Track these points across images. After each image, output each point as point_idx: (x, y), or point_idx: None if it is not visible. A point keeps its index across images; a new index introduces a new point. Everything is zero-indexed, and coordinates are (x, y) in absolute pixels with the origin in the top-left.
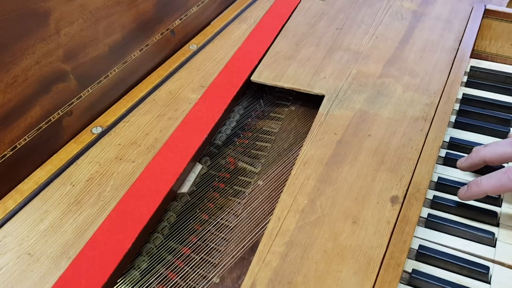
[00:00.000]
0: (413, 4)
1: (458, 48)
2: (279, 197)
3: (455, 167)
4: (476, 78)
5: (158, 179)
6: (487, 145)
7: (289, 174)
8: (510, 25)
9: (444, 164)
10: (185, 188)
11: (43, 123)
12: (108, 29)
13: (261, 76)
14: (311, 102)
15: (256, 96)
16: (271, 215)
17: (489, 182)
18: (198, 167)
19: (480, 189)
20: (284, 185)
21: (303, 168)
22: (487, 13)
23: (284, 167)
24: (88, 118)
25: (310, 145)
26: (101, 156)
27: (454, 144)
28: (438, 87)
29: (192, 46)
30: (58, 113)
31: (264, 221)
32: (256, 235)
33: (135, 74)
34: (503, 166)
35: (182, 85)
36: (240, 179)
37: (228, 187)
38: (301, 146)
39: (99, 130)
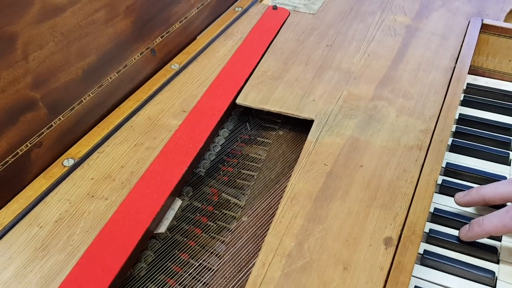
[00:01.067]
0: (406, 18)
1: (455, 67)
2: (264, 236)
3: (452, 195)
4: (473, 96)
5: (132, 220)
6: (488, 184)
7: (276, 209)
8: (509, 40)
9: (440, 193)
10: (162, 228)
11: (9, 157)
12: (82, 51)
13: (247, 99)
14: (300, 126)
15: (242, 119)
16: (255, 257)
17: (492, 222)
18: (178, 203)
19: (482, 230)
20: (271, 222)
21: (290, 204)
22: (484, 28)
23: (271, 201)
24: (59, 149)
25: (298, 177)
26: (72, 192)
27: (451, 170)
28: (433, 111)
29: (174, 65)
30: (26, 145)
31: (248, 265)
32: (240, 281)
33: (111, 98)
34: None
35: (163, 110)
36: (224, 213)
37: (211, 222)
38: (289, 176)
39: (71, 162)
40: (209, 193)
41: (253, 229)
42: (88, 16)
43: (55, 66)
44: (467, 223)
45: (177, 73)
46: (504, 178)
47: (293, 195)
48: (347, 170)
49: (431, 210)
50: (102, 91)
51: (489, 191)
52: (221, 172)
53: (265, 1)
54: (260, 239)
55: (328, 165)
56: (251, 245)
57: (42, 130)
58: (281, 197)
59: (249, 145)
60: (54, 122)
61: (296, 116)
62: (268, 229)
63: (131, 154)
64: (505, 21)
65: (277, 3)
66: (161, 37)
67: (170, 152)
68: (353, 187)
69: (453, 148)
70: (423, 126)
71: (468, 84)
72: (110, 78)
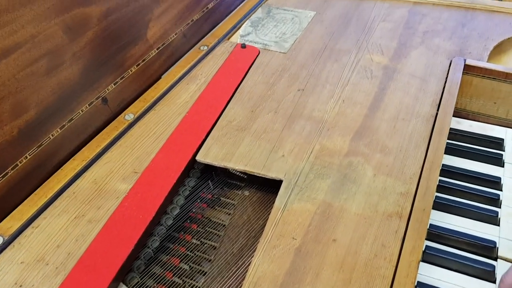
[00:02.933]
0: (384, 58)
1: (436, 115)
2: None
3: (437, 264)
4: (456, 143)
5: None
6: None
7: None
8: (493, 82)
9: (424, 261)
10: None
11: None
12: (17, 108)
13: (209, 155)
14: (267, 186)
15: (205, 176)
16: None
17: None
18: None
19: None
20: None
21: None
22: (467, 69)
23: (232, 283)
24: None
25: (262, 255)
26: None
27: (434, 233)
28: (414, 169)
29: (129, 115)
30: None
31: None
32: None
33: (53, 159)
34: None
35: (111, 171)
36: None
37: None
38: (254, 250)
39: (0, 241)
40: (162, 271)
41: None
42: (26, 67)
43: None
44: None
45: (131, 125)
46: (493, 242)
47: (256, 279)
48: (318, 246)
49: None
50: (42, 151)
51: None
52: (179, 240)
53: (233, 39)
54: None
55: (297, 239)
56: None
57: None
58: (243, 280)
59: (211, 207)
60: None
61: (263, 176)
62: None
63: (70, 229)
64: (489, 59)
65: (246, 40)
66: (114, 84)
67: (115, 226)
68: (325, 268)
69: (437, 206)
70: (403, 188)
71: (451, 129)
72: (52, 135)
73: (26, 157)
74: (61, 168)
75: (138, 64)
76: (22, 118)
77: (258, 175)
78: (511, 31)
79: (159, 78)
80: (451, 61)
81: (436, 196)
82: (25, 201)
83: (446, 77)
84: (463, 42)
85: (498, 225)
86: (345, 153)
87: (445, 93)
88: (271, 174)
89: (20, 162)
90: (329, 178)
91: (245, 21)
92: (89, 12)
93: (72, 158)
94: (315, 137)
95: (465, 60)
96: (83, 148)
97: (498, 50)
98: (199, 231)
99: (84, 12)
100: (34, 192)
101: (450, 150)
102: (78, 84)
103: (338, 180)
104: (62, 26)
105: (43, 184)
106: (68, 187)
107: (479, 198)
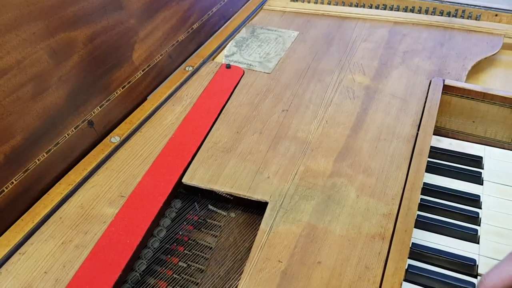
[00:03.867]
0: (365, 78)
1: (417, 135)
2: None
3: (419, 284)
4: (437, 161)
5: None
6: (490, 271)
7: None
8: (472, 102)
9: (406, 280)
10: None
11: None
12: (4, 134)
13: (195, 177)
14: (253, 208)
15: (191, 198)
16: None
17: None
18: None
19: None
20: None
21: None
22: (446, 89)
23: None
24: None
25: (248, 279)
26: None
27: (416, 252)
28: (396, 190)
29: (115, 138)
30: None
31: None
32: None
33: (39, 183)
34: None
35: (98, 195)
36: None
37: None
38: (240, 273)
39: None
40: None
41: None
42: (12, 93)
43: None
44: None
45: (117, 148)
46: (473, 260)
47: None
48: (303, 268)
49: None
50: (28, 176)
51: (494, 277)
52: (165, 262)
53: (218, 59)
54: None
55: (283, 262)
56: None
57: None
58: None
59: (198, 229)
60: None
61: (249, 198)
62: None
63: (57, 255)
64: (467, 78)
65: (231, 61)
66: (100, 107)
67: (103, 251)
68: None
69: (418, 224)
70: (386, 209)
71: (431, 147)
72: (38, 160)
73: (13, 182)
74: (48, 192)
75: (124, 86)
76: (8, 144)
77: (244, 197)
78: (488, 51)
79: (145, 99)
80: (430, 81)
81: (417, 215)
82: (12, 227)
83: (426, 97)
84: (442, 61)
85: (478, 243)
86: (328, 174)
87: (425, 114)
88: (257, 196)
89: (6, 188)
90: (313, 200)
91: (229, 41)
92: (75, 36)
93: (59, 182)
94: (299, 158)
95: (444, 81)
96: (70, 172)
97: (476, 69)
98: (186, 253)
99: (70, 36)
100: (21, 218)
101: (430, 169)
102: (64, 107)
103: (323, 201)
104: (47, 51)
105: (30, 209)
106: (55, 212)
107: (459, 216)
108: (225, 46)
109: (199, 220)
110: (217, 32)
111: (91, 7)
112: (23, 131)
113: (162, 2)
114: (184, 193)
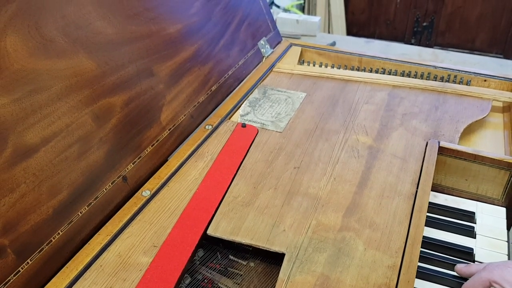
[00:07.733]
0: (368, 138)
1: (416, 193)
2: None
3: None
4: (434, 216)
5: None
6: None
7: None
8: (464, 162)
9: None
10: None
11: None
12: (53, 189)
13: (218, 229)
14: (269, 258)
15: (213, 248)
16: None
17: None
18: None
19: None
20: None
21: None
22: (441, 150)
23: None
24: None
25: None
26: None
27: None
28: (399, 243)
29: (145, 192)
30: None
31: None
32: None
33: (81, 233)
34: None
35: (133, 245)
36: None
37: None
38: None
39: None
40: None
41: None
42: (61, 153)
43: (25, 209)
44: None
45: (148, 201)
46: None
47: None
48: None
49: None
50: (72, 227)
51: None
52: None
53: (234, 118)
54: None
55: None
56: None
57: (9, 278)
58: None
59: (219, 277)
60: (21, 267)
61: (268, 249)
62: None
63: None
64: (460, 139)
65: (246, 120)
66: (132, 163)
67: None
68: None
69: (420, 275)
70: (390, 262)
71: (429, 202)
72: (80, 212)
73: (59, 233)
74: (88, 242)
75: (153, 144)
76: (56, 198)
77: (263, 248)
78: (478, 114)
79: (169, 156)
80: (427, 142)
81: (418, 266)
82: (58, 274)
83: (423, 158)
84: (437, 124)
85: None
86: (338, 228)
87: (423, 173)
88: (275, 248)
89: (54, 238)
90: (325, 252)
91: (243, 101)
92: (114, 101)
93: (98, 232)
94: (311, 213)
95: (439, 143)
96: (107, 223)
97: (467, 131)
98: None
99: (110, 102)
100: (66, 265)
101: (428, 223)
102: (103, 165)
103: (334, 253)
104: (91, 115)
105: (73, 257)
106: (96, 260)
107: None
108: (240, 106)
109: (221, 268)
110: (232, 93)
111: (127, 75)
112: (69, 187)
113: (186, 68)
114: (205, 244)
